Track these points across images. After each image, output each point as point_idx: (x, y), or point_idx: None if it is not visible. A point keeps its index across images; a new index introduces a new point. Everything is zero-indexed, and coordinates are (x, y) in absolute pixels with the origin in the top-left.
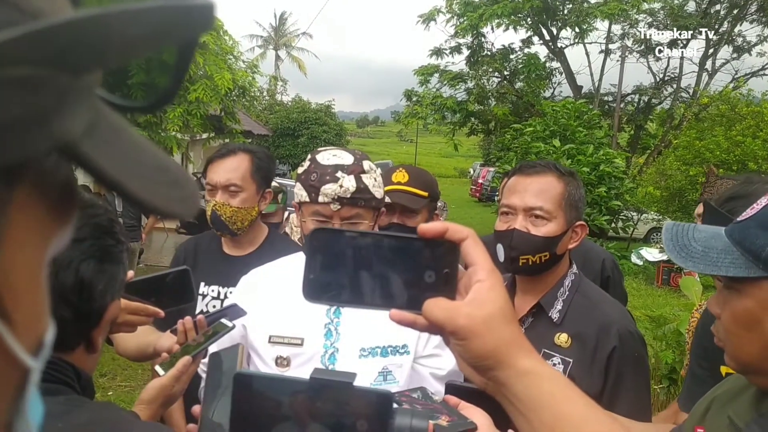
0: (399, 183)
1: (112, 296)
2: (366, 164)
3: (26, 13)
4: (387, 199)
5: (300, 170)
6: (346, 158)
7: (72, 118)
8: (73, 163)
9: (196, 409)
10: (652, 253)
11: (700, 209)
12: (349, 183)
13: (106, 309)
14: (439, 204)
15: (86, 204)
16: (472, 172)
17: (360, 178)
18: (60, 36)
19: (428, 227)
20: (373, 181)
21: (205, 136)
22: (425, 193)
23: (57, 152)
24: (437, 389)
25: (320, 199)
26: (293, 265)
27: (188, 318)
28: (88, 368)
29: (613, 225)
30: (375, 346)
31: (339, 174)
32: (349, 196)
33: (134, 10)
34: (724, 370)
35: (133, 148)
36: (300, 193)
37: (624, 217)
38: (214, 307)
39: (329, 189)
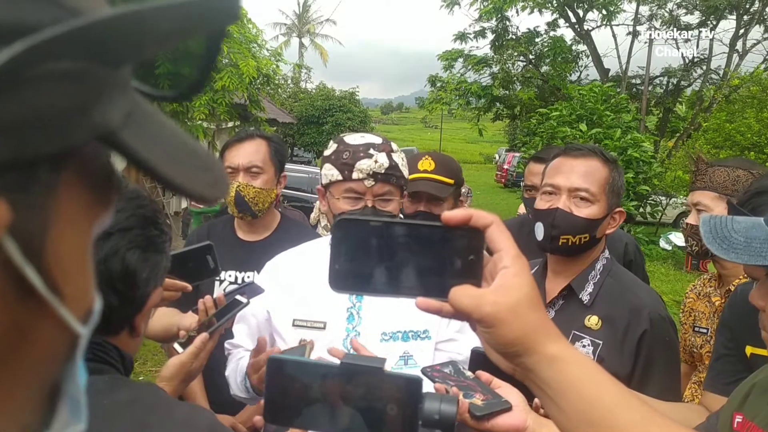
0: (425, 171)
1: (155, 284)
2: (393, 145)
3: (68, 10)
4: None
5: (327, 152)
6: (374, 138)
7: (111, 109)
8: (112, 150)
9: (259, 420)
10: (681, 238)
11: (693, 198)
12: (382, 159)
13: (149, 296)
14: (462, 190)
15: (132, 195)
16: (497, 157)
17: (390, 156)
18: (99, 32)
19: (452, 215)
20: (401, 160)
21: (231, 124)
22: (451, 181)
23: (98, 140)
24: None
25: (354, 175)
26: (316, 250)
27: (208, 297)
28: (131, 351)
29: (641, 210)
30: (396, 331)
31: (371, 151)
32: (383, 171)
33: (166, 5)
34: (749, 350)
35: (165, 134)
36: (330, 173)
37: (653, 202)
38: None
39: (364, 164)
